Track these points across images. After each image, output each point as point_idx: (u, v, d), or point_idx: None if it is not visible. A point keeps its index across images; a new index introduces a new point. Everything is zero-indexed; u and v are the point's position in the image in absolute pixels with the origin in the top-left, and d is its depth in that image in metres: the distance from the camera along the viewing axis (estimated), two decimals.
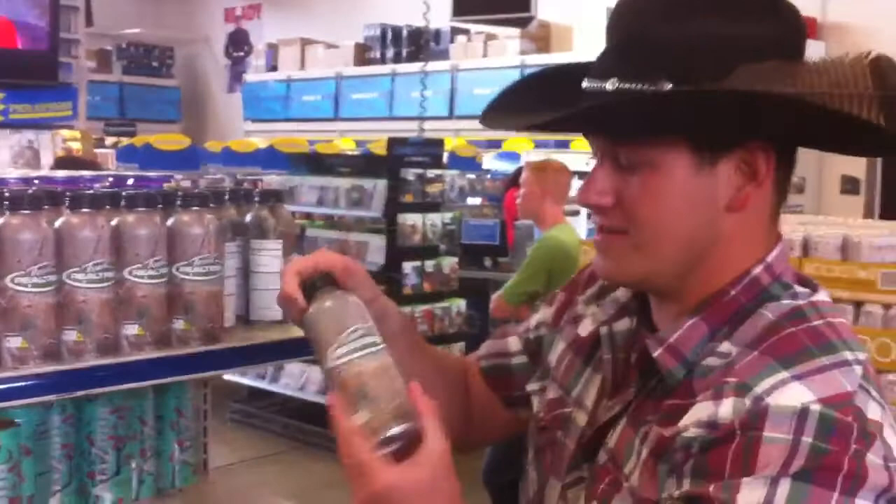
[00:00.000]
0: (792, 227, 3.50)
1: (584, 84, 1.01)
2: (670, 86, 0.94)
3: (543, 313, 1.28)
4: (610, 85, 0.97)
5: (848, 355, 0.92)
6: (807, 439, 0.84)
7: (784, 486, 0.83)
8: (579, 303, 1.21)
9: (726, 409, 0.88)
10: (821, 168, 7.96)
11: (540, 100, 1.09)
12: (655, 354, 0.99)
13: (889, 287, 3.04)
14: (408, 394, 0.98)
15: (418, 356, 1.21)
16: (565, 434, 1.12)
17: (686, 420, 0.91)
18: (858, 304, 3.09)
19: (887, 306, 3.03)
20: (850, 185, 7.92)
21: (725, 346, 0.96)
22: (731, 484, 0.85)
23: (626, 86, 0.96)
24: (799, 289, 1.00)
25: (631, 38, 0.98)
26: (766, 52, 0.95)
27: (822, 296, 1.01)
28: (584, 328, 1.16)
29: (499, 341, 1.31)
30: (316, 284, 1.06)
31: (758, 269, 1.00)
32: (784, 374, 0.88)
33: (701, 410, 0.91)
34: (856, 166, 7.87)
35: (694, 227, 0.98)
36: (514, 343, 1.29)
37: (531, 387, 1.23)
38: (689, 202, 0.97)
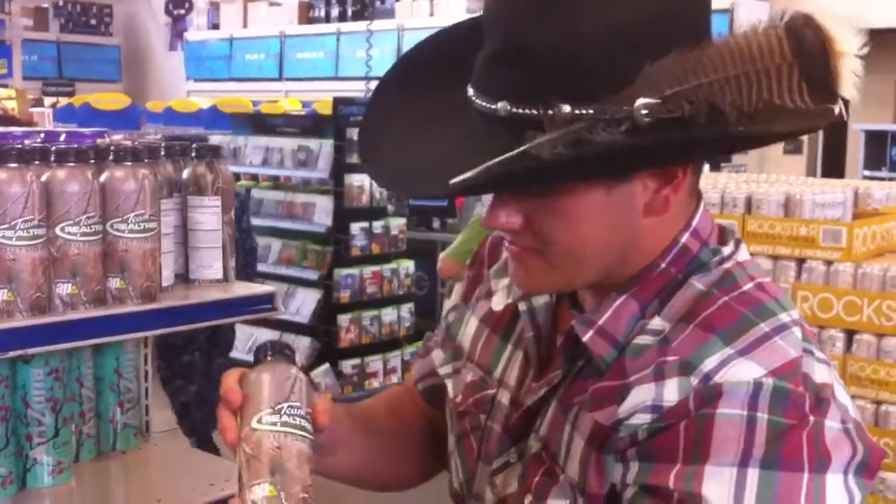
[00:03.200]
0: (736, 184, 3.53)
1: (472, 93, 0.89)
2: (567, 107, 0.81)
3: (453, 298, 1.21)
4: (501, 110, 0.85)
5: (784, 317, 0.88)
6: (762, 415, 0.81)
7: (753, 477, 0.80)
8: (488, 277, 1.13)
9: (671, 390, 0.84)
10: None
11: (420, 120, 0.95)
12: (585, 338, 0.92)
13: (830, 243, 3.09)
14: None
15: (369, 439, 1.13)
16: (491, 418, 1.05)
17: (627, 406, 0.86)
18: (800, 261, 3.14)
19: (828, 262, 3.08)
20: (792, 146, 8.04)
21: (657, 322, 0.90)
22: (692, 472, 0.81)
23: (518, 111, 0.84)
24: (724, 250, 0.95)
25: (509, 48, 0.84)
26: (667, 40, 0.81)
27: (745, 253, 0.96)
28: (498, 303, 1.09)
29: (426, 360, 1.22)
30: (270, 353, 0.99)
31: (685, 237, 0.94)
32: (728, 351, 0.84)
33: (642, 394, 0.85)
34: None
35: (611, 239, 0.91)
36: (438, 357, 1.21)
37: (443, 370, 1.15)
38: (606, 220, 0.89)
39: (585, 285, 0.96)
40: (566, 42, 0.81)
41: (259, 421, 0.93)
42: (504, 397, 1.05)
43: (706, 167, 6.52)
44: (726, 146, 0.98)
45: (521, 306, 1.04)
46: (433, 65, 1.00)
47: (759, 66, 0.80)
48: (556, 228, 0.89)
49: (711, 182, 3.60)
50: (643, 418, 0.85)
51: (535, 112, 0.82)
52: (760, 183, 3.63)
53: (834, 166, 7.95)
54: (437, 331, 1.24)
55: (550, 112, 0.82)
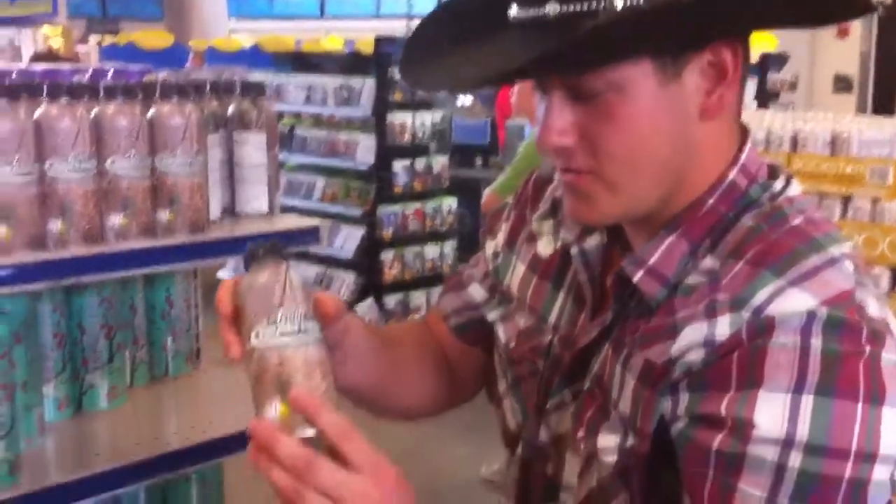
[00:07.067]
0: (781, 123, 3.49)
1: (514, 12, 0.88)
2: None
3: (497, 240, 1.19)
4: (551, 11, 0.84)
5: (834, 251, 0.87)
6: (816, 342, 0.80)
7: (806, 403, 0.79)
8: (532, 220, 1.13)
9: (723, 325, 0.84)
10: (813, 67, 7.89)
11: (462, 41, 0.94)
12: (636, 279, 0.92)
13: (877, 181, 3.05)
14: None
15: (384, 356, 1.11)
16: (548, 363, 1.05)
17: (679, 345, 0.86)
18: (846, 199, 3.11)
19: (875, 200, 3.05)
20: (842, 84, 7.87)
21: (708, 262, 0.90)
22: (745, 398, 0.80)
23: (571, 8, 0.83)
24: (775, 185, 0.94)
25: None
26: None
27: (796, 188, 0.95)
28: (545, 248, 1.08)
29: (460, 294, 1.21)
30: (258, 253, 0.93)
31: (733, 173, 0.93)
32: (780, 282, 0.83)
33: (694, 333, 0.86)
34: (849, 64, 7.80)
35: (669, 148, 0.89)
36: (477, 292, 1.20)
37: (492, 315, 1.15)
38: (661, 121, 0.88)
39: (643, 213, 0.94)
40: None
41: (257, 336, 0.88)
42: (558, 342, 1.05)
43: (754, 105, 6.39)
44: (768, 14, 0.93)
45: (573, 250, 1.04)
46: (475, 9, 0.98)
47: None
48: (612, 135, 0.87)
49: (757, 120, 3.55)
50: (697, 354, 0.85)
51: (586, 7, 0.82)
52: (807, 121, 3.57)
53: (885, 103, 7.78)
54: (469, 266, 1.22)
55: (603, 4, 0.82)
